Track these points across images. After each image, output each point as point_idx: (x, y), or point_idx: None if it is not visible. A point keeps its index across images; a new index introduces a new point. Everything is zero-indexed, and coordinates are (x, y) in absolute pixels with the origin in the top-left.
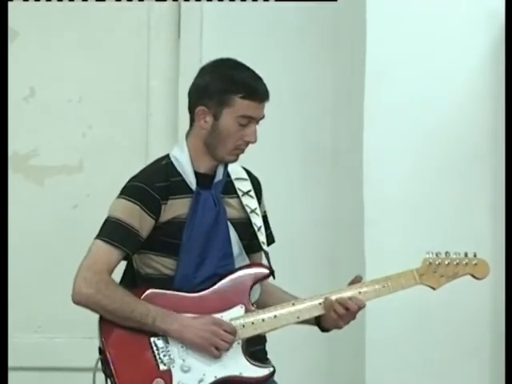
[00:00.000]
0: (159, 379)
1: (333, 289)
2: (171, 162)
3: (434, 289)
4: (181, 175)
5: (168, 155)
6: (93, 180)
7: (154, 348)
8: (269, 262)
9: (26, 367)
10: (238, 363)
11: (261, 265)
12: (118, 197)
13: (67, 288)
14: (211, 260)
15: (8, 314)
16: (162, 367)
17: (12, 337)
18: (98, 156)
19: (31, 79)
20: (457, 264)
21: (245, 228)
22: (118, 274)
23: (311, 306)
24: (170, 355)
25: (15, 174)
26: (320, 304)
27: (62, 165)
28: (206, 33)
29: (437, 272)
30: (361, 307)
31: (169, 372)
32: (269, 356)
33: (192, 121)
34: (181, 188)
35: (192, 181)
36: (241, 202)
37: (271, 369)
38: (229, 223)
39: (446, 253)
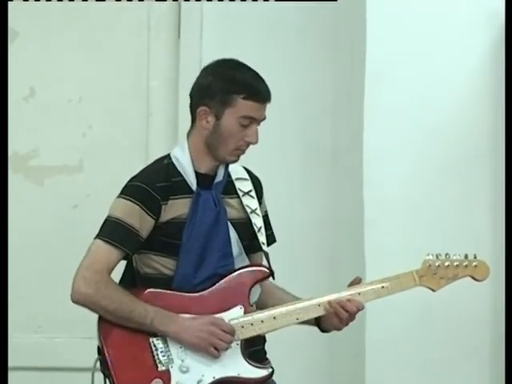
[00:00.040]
0: (158, 379)
1: (333, 289)
2: (172, 162)
3: (433, 290)
4: (181, 175)
5: (169, 155)
6: (93, 180)
7: (153, 348)
8: (268, 263)
9: (25, 367)
10: (236, 364)
11: (260, 265)
12: (119, 196)
13: (67, 288)
14: (211, 260)
15: (8, 313)
16: (160, 367)
17: (12, 337)
18: (98, 156)
19: (31, 79)
20: (457, 266)
21: (245, 228)
22: (117, 273)
23: (310, 307)
24: (168, 355)
25: (15, 174)
26: (319, 305)
27: (62, 165)
28: (206, 33)
29: (437, 274)
30: (360, 309)
31: (167, 372)
32: (269, 356)
33: (193, 120)
34: (181, 188)
35: (192, 181)
36: (241, 203)
37: (270, 370)
38: (229, 223)
39: (446, 254)
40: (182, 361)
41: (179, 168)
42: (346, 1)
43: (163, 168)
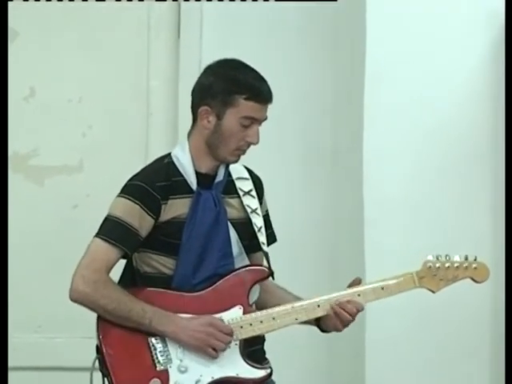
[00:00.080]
0: (156, 379)
1: (333, 289)
2: (172, 162)
3: (433, 292)
4: (182, 175)
5: (169, 154)
6: (93, 180)
7: (152, 348)
8: (268, 263)
9: (25, 367)
10: (235, 364)
11: (260, 266)
12: (119, 195)
13: (67, 288)
14: (211, 260)
15: (8, 313)
16: (158, 367)
17: (12, 337)
18: (98, 156)
19: (31, 79)
20: (457, 267)
21: (245, 228)
22: (117, 272)
23: (310, 308)
24: (167, 355)
25: (15, 174)
26: (319, 306)
27: (62, 165)
28: (206, 33)
29: (436, 275)
30: (359, 310)
31: (166, 372)
32: (268, 356)
33: (194, 120)
34: (181, 188)
35: (193, 181)
36: (241, 202)
37: (268, 370)
38: (229, 223)
39: (446, 256)
40: (181, 361)
41: (180, 167)
42: (346, 1)
43: (163, 167)
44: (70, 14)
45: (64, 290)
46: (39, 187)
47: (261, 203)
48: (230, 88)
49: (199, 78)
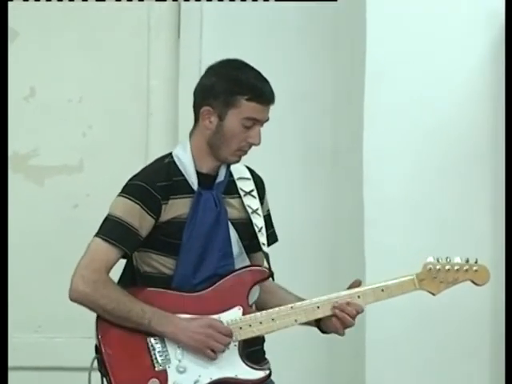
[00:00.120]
0: (155, 379)
1: (333, 289)
2: (173, 161)
3: (433, 294)
4: (183, 175)
5: (170, 154)
6: (93, 180)
7: (151, 348)
8: (268, 264)
9: (25, 367)
10: (234, 365)
11: (260, 266)
12: (119, 195)
13: (67, 288)
14: (211, 260)
15: (8, 313)
16: (157, 367)
17: (12, 337)
18: (98, 156)
19: (31, 79)
20: (457, 270)
21: (245, 228)
22: (117, 271)
23: (309, 309)
24: (166, 356)
25: (15, 174)
26: (318, 307)
27: (62, 165)
28: (206, 33)
29: (437, 278)
30: (359, 312)
31: (164, 372)
32: (268, 356)
33: (196, 120)
34: (182, 188)
35: (194, 181)
36: (242, 203)
37: (267, 371)
38: (229, 223)
39: (447, 258)
40: (179, 361)
41: (180, 167)
42: (346, 1)
43: (164, 167)
44: (70, 13)
45: (64, 290)
46: (39, 187)
47: (262, 203)
48: (232, 88)
49: (201, 79)
